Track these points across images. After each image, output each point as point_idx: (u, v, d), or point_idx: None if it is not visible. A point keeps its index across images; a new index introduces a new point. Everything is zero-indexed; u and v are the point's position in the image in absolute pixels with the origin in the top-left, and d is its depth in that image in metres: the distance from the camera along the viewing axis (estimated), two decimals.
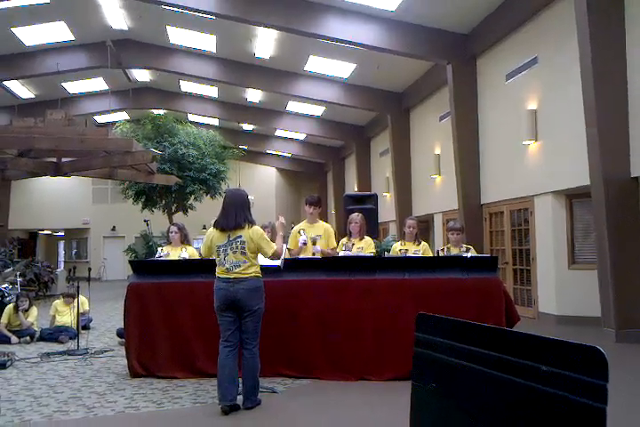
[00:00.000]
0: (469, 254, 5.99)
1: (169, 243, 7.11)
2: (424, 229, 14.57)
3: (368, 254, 6.14)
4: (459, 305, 5.33)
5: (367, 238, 6.50)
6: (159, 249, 7.03)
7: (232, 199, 4.79)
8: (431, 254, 6.69)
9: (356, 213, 6.57)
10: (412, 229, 6.55)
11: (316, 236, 6.28)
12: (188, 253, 6.61)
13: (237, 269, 4.62)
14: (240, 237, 4.65)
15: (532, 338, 1.68)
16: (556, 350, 1.57)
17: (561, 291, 9.10)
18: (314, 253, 6.20)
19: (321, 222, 6.49)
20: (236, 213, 4.68)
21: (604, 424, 1.43)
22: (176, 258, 6.56)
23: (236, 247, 4.63)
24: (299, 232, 6.29)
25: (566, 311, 8.98)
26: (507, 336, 1.81)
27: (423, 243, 6.61)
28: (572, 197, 9.20)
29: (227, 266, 4.64)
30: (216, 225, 4.76)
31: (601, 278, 7.77)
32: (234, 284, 4.59)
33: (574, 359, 1.51)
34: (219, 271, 4.71)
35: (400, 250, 6.50)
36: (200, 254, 5.18)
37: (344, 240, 6.47)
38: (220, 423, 4.35)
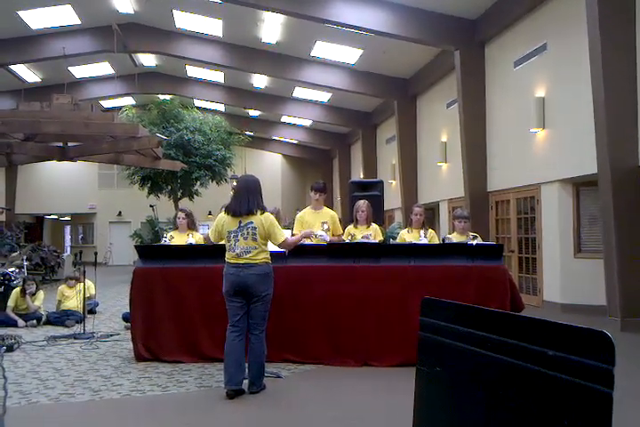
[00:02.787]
0: (475, 242, 5.97)
1: (176, 228, 7.13)
2: (430, 217, 14.54)
3: (374, 241, 6.14)
4: (463, 292, 5.33)
5: (374, 225, 6.52)
6: (164, 236, 6.98)
7: (244, 185, 4.78)
8: (437, 242, 6.68)
9: (363, 201, 6.56)
10: (418, 216, 6.53)
11: (322, 222, 6.29)
12: (195, 238, 6.62)
13: (247, 255, 4.61)
14: (251, 222, 4.64)
15: (538, 322, 1.67)
16: (563, 335, 1.57)
17: (566, 279, 9.09)
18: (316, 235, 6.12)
19: (326, 209, 6.49)
20: (248, 199, 4.66)
21: (611, 409, 1.42)
22: (183, 243, 6.57)
23: (247, 233, 4.63)
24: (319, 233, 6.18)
25: (571, 300, 8.98)
26: (513, 321, 1.81)
27: (430, 230, 6.60)
28: (579, 186, 9.15)
29: (237, 251, 4.63)
30: (227, 210, 4.74)
31: (606, 267, 7.75)
32: (243, 269, 4.59)
33: (581, 344, 1.50)
34: (228, 257, 4.70)
35: (408, 231, 6.50)
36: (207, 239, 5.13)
37: (350, 227, 6.47)
38: (225, 407, 4.38)
